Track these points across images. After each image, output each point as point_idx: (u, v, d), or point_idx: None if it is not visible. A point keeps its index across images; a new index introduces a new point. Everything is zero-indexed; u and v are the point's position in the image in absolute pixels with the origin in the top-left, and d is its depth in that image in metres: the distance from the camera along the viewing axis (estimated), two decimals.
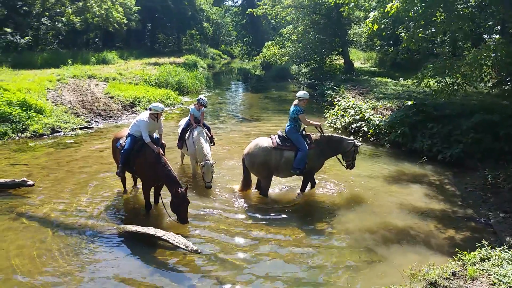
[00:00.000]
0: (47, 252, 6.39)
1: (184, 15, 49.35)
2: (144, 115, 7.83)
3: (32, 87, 16.27)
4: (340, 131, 15.04)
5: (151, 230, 6.59)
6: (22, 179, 8.71)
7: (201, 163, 8.97)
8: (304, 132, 8.64)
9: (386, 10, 11.12)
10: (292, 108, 8.49)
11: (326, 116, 17.38)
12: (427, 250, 6.65)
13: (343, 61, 28.23)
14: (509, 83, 13.21)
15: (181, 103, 21.09)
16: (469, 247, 6.00)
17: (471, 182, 9.62)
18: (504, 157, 10.33)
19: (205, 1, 59.74)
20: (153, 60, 34.98)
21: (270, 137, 8.58)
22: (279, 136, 8.48)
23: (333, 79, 24.29)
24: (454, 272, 5.13)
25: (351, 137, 8.87)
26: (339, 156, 9.00)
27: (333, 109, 17.29)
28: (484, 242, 5.72)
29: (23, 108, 13.81)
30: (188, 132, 9.93)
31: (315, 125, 8.81)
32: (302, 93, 8.58)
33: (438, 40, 22.12)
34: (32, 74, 19.78)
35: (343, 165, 9.03)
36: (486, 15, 13.53)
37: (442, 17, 11.92)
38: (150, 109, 7.77)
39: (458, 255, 5.57)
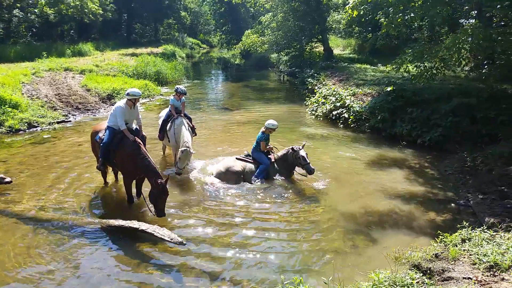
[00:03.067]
0: (29, 249, 6.25)
1: (160, 4, 48.50)
2: (120, 102, 7.74)
3: (6, 81, 15.81)
4: (321, 119, 15.13)
5: (134, 224, 6.51)
6: None
7: (181, 148, 8.89)
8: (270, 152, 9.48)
9: None
10: (259, 133, 9.27)
11: (307, 103, 17.44)
12: (410, 233, 6.77)
13: (322, 48, 28.26)
14: (485, 67, 13.43)
15: (160, 94, 20.82)
16: (450, 228, 6.15)
17: (450, 165, 9.81)
18: (481, 139, 10.54)
19: None
20: (130, 50, 34.40)
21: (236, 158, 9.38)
22: (245, 156, 9.48)
23: (313, 66, 24.32)
24: (437, 253, 5.22)
25: (296, 146, 8.97)
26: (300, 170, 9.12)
27: (314, 96, 17.34)
28: (464, 223, 5.83)
29: None
30: (169, 123, 9.82)
31: (270, 148, 9.46)
32: (270, 123, 9.16)
33: (416, 25, 22.33)
34: (5, 68, 19.21)
35: (303, 175, 9.07)
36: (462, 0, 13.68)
37: (420, 2, 12.00)
38: (127, 94, 7.70)
39: (440, 237, 5.67)
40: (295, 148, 8.86)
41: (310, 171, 8.62)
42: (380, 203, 7.91)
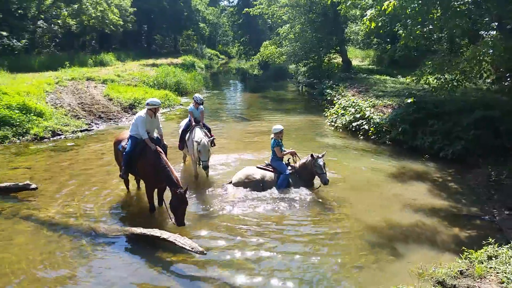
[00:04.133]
0: (52, 255, 6.37)
1: (180, 15, 49.26)
2: (141, 112, 7.89)
3: (31, 90, 16.22)
4: (340, 130, 15.08)
5: (156, 232, 6.58)
6: (25, 183, 8.68)
7: (196, 139, 9.03)
8: (288, 161, 9.54)
9: (383, 8, 11.11)
10: (271, 141, 9.35)
11: (326, 114, 17.40)
12: (433, 248, 6.66)
13: (341, 59, 28.23)
14: (508, 79, 13.22)
15: (180, 104, 21.07)
16: (475, 244, 6.01)
17: (474, 179, 9.64)
18: (505, 153, 10.35)
19: (201, 1, 59.64)
20: (150, 61, 34.92)
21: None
22: (265, 165, 9.48)
23: (331, 77, 24.29)
24: (462, 270, 5.13)
25: (316, 154, 8.95)
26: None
27: (332, 108, 17.30)
28: (490, 239, 5.74)
29: (23, 112, 13.76)
30: (188, 133, 9.94)
31: (289, 153, 9.44)
32: (275, 128, 9.32)
33: (436, 37, 22.15)
34: (30, 77, 19.71)
35: (316, 186, 9.12)
36: (482, 11, 13.54)
37: (439, 14, 11.93)
38: (147, 104, 7.84)
39: (465, 253, 5.57)
40: (314, 156, 8.83)
41: (325, 182, 8.62)
42: (402, 216, 7.81)
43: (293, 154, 9.44)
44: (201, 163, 9.11)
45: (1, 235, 6.95)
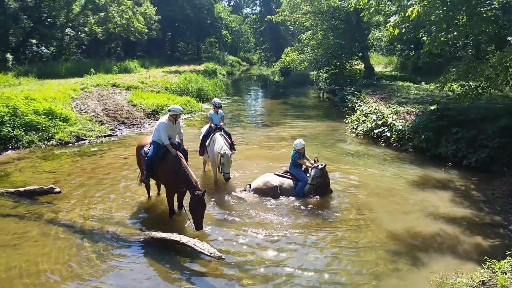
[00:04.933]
0: (75, 257, 6.51)
1: (203, 23, 49.86)
2: (163, 118, 8.03)
3: (57, 96, 16.68)
4: (362, 137, 14.96)
5: (176, 237, 6.65)
6: (49, 186, 8.91)
7: (220, 152, 9.11)
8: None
9: (407, 15, 11.01)
10: (292, 151, 9.38)
11: (347, 121, 17.29)
12: (455, 257, 6.53)
13: (363, 66, 28.02)
14: None
15: (201, 110, 21.29)
16: (499, 254, 5.87)
17: (498, 188, 9.40)
18: None
19: (224, 9, 60.32)
20: (173, 68, 35.41)
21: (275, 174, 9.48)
22: (284, 172, 9.54)
23: (353, 84, 24.15)
24: (484, 280, 5.02)
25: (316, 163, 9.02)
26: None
27: (354, 114, 17.18)
28: None
29: (49, 117, 14.17)
30: (209, 140, 10.03)
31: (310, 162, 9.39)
32: (296, 143, 9.22)
33: (460, 43, 21.78)
34: (56, 84, 20.29)
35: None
36: (510, 16, 13.26)
37: (464, 20, 11.74)
38: (169, 110, 7.97)
39: (487, 263, 5.44)
40: (314, 164, 8.98)
41: (326, 190, 9.03)
42: (423, 224, 7.69)
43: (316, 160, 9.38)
44: (223, 174, 9.19)
45: (26, 237, 7.15)
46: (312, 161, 9.23)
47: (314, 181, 8.82)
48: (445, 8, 11.08)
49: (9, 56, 25.60)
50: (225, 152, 9.06)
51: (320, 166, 8.83)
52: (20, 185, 9.42)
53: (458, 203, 8.72)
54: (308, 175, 9.10)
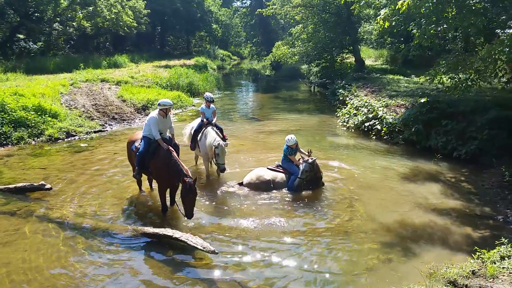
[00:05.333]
0: (66, 253, 6.48)
1: (193, 17, 49.52)
2: (153, 112, 8.00)
3: (46, 91, 16.48)
4: (353, 130, 15.03)
5: (168, 232, 6.65)
6: (40, 183, 8.83)
7: (214, 143, 9.12)
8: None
9: (397, 7, 11.04)
10: (284, 146, 9.39)
11: (338, 115, 17.35)
12: (445, 248, 6.62)
13: (354, 59, 28.08)
14: None
15: (192, 105, 21.20)
16: (488, 245, 5.97)
17: (488, 179, 9.52)
18: None
19: (214, 2, 59.92)
20: (163, 62, 35.18)
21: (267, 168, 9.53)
22: (276, 166, 9.59)
23: (344, 77, 24.18)
24: (474, 270, 5.09)
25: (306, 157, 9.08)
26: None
27: (345, 108, 17.25)
28: (503, 240, 5.68)
29: (38, 113, 13.99)
30: (200, 134, 10.00)
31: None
32: (288, 138, 9.25)
33: (450, 36, 21.89)
34: (45, 79, 20.05)
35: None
36: (498, 9, 13.35)
37: (453, 13, 11.80)
38: (159, 104, 7.95)
39: (477, 253, 5.52)
40: (305, 158, 9.03)
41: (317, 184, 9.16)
42: (414, 216, 7.77)
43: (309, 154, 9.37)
44: (218, 166, 9.19)
45: (16, 235, 7.08)
46: (306, 153, 9.24)
47: (304, 175, 8.86)
48: (434, 0, 11.13)
49: None
50: (219, 143, 9.07)
51: (310, 160, 8.87)
52: (10, 182, 9.32)
53: (449, 195, 8.82)
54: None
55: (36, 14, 29.15)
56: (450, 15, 11.90)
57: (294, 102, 23.68)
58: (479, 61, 10.84)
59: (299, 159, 9.40)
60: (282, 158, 9.52)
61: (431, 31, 11.94)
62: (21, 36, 29.38)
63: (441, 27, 12.25)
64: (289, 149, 9.26)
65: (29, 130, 13.27)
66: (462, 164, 10.70)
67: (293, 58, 29.27)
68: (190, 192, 6.96)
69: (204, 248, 6.16)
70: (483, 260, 5.35)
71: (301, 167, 8.90)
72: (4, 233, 7.12)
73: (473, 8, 11.43)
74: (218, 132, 9.99)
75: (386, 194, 8.91)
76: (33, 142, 12.96)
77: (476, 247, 5.68)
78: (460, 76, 12.13)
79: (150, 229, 6.90)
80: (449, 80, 12.51)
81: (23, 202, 8.36)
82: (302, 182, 8.90)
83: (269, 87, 32.31)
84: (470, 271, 5.06)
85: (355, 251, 6.56)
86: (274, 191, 8.99)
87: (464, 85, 11.76)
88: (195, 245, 6.24)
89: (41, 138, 13.25)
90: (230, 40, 73.33)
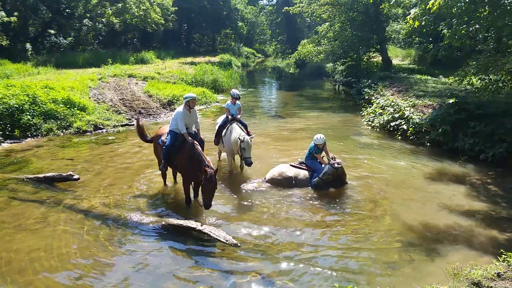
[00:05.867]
0: (94, 242, 6.66)
1: (219, 14, 49.82)
2: (179, 107, 8.17)
3: (75, 85, 16.92)
4: (378, 129, 14.87)
5: (192, 224, 6.76)
6: (68, 173, 9.09)
7: (240, 138, 9.19)
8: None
9: (428, 7, 10.86)
10: (312, 143, 9.32)
11: (363, 114, 17.19)
12: (470, 250, 6.50)
13: (380, 58, 27.75)
14: None
15: (216, 101, 21.39)
16: None
17: None
18: None
19: (240, 0, 60.11)
20: (189, 59, 35.54)
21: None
22: (299, 163, 9.62)
23: (370, 76, 23.91)
24: (499, 273, 4.99)
25: (333, 161, 8.99)
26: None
27: (370, 107, 17.07)
28: None
29: (67, 106, 14.41)
30: (225, 130, 10.09)
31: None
32: (317, 137, 9.14)
33: (481, 36, 21.39)
34: (74, 73, 20.58)
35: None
36: None
37: (486, 13, 11.53)
38: (184, 98, 8.12)
39: (503, 256, 5.40)
40: (331, 161, 8.98)
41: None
42: (438, 217, 7.65)
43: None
44: (245, 160, 9.23)
45: (46, 223, 7.32)
46: (331, 157, 9.19)
47: (324, 176, 8.82)
48: (467, 0, 10.89)
49: (28, 46, 26.02)
50: (245, 138, 9.14)
51: (336, 165, 8.80)
52: (39, 172, 9.62)
53: (475, 197, 8.65)
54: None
55: (67, 10, 29.95)
56: (482, 15, 11.63)
57: (318, 100, 23.57)
58: (511, 62, 10.57)
59: (323, 156, 9.38)
60: (306, 155, 9.50)
61: (462, 31, 11.70)
62: (52, 32, 30.21)
63: (473, 27, 11.98)
64: (315, 148, 9.22)
65: (58, 122, 13.67)
66: (489, 167, 10.46)
67: (319, 56, 29.13)
68: (210, 182, 7.03)
69: (226, 241, 6.23)
70: (509, 263, 5.24)
71: (325, 168, 8.87)
72: (34, 220, 7.37)
73: (508, 8, 11.14)
74: (243, 128, 10.06)
75: (411, 194, 8.80)
76: (62, 134, 13.35)
77: (502, 250, 5.57)
78: (491, 77, 11.85)
79: (174, 221, 7.02)
80: (479, 81, 12.25)
81: (52, 191, 8.62)
82: (321, 183, 8.87)
83: (293, 85, 32.22)
84: (495, 273, 4.97)
85: (378, 249, 6.52)
86: (297, 188, 9.00)
87: (494, 86, 11.52)
88: (218, 238, 6.32)
89: (69, 130, 13.63)
90: (255, 37, 73.46)
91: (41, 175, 9.16)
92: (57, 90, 15.20)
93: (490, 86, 11.58)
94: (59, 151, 11.69)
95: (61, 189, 8.81)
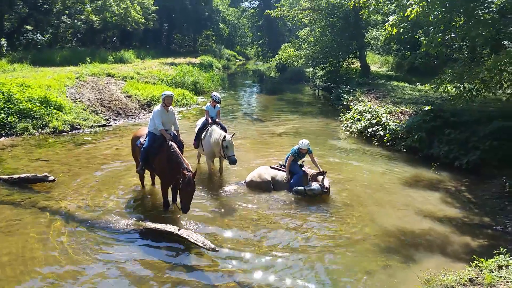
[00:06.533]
0: (67, 246, 6.53)
1: (201, 15, 49.61)
2: (157, 106, 8.17)
3: (52, 84, 16.58)
4: (355, 135, 15.06)
5: (170, 228, 6.71)
6: (43, 174, 8.90)
7: (220, 138, 9.18)
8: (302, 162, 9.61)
9: (406, 14, 11.09)
10: (295, 147, 9.31)
11: (341, 119, 17.39)
12: (443, 256, 6.64)
13: (359, 64, 28.13)
14: None
15: (197, 103, 21.29)
16: (486, 254, 5.97)
17: (488, 190, 9.53)
18: None
19: (222, 2, 60.04)
20: (169, 60, 35.25)
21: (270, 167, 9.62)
22: (279, 165, 9.64)
23: (349, 82, 24.22)
24: (471, 278, 5.13)
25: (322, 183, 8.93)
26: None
27: (349, 112, 17.28)
28: (501, 249, 5.71)
29: (44, 105, 14.10)
30: (204, 132, 10.06)
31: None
32: (302, 142, 9.15)
33: (457, 45, 21.91)
34: (51, 71, 20.15)
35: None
36: (507, 20, 13.37)
37: (461, 22, 11.83)
38: (162, 96, 8.09)
39: (475, 261, 5.56)
40: (323, 173, 8.97)
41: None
42: (413, 223, 7.80)
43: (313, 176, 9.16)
44: (229, 159, 9.09)
45: (19, 225, 7.15)
46: (320, 170, 9.14)
47: (310, 192, 8.78)
48: (443, 9, 11.15)
49: (3, 41, 25.32)
50: (225, 136, 9.13)
51: (324, 190, 8.73)
52: (13, 172, 9.40)
53: (449, 203, 8.85)
54: (309, 178, 9.11)
55: (45, 6, 29.28)
56: (458, 24, 11.93)
57: (298, 105, 23.73)
58: (484, 71, 10.85)
59: (309, 167, 9.44)
60: (286, 157, 9.48)
61: (439, 40, 11.96)
62: (29, 28, 29.53)
63: (449, 36, 12.28)
64: (297, 152, 9.21)
65: (34, 121, 13.38)
66: (463, 174, 10.70)
67: (299, 60, 29.35)
68: (188, 185, 6.99)
69: (204, 245, 6.21)
70: (481, 269, 5.39)
71: (315, 186, 8.78)
72: (7, 223, 7.19)
73: (482, 18, 11.46)
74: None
75: (387, 199, 8.94)
76: (37, 134, 13.06)
77: (474, 256, 5.72)
78: (465, 85, 12.15)
79: (152, 225, 6.96)
80: (454, 89, 12.53)
81: (26, 193, 8.43)
82: (303, 193, 8.83)
83: (273, 89, 32.36)
84: (467, 278, 5.11)
85: (353, 255, 6.60)
86: (276, 190, 9.04)
87: (469, 94, 11.78)
88: (196, 242, 6.29)
89: (45, 130, 13.35)
90: (237, 40, 73.35)
91: (15, 176, 8.96)
92: (34, 88, 14.85)
93: (465, 94, 11.84)
94: (34, 151, 11.43)
95: (36, 191, 8.62)
